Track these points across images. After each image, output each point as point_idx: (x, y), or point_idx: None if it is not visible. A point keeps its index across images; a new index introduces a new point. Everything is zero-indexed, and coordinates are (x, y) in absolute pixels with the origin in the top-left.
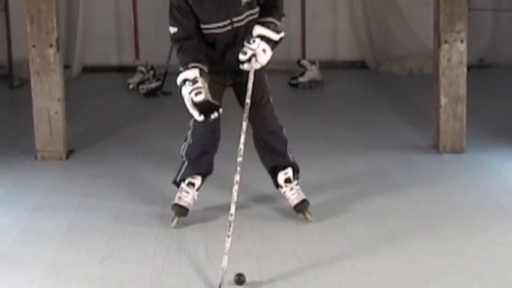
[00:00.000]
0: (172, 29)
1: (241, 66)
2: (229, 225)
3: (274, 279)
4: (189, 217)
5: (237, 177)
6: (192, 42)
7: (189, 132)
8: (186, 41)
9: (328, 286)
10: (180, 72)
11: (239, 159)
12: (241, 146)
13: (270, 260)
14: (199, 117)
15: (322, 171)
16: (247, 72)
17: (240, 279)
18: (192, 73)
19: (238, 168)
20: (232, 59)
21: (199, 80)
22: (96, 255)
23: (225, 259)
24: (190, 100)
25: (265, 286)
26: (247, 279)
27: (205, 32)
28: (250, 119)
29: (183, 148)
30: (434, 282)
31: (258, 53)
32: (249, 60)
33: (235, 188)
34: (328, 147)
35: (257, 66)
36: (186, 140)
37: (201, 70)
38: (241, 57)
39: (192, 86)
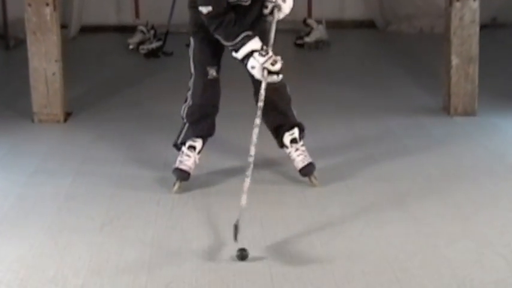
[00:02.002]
0: (206, 8)
1: (264, 17)
2: (249, 167)
3: (278, 245)
4: (190, 181)
5: (257, 121)
6: (230, 16)
7: (189, 93)
8: (224, 15)
9: (335, 252)
10: (235, 45)
11: (260, 103)
12: (263, 91)
13: (275, 225)
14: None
15: (328, 134)
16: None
17: (242, 254)
18: (256, 43)
19: (259, 112)
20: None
21: (265, 47)
22: (95, 221)
23: (244, 198)
24: (264, 70)
25: (269, 252)
26: (252, 244)
27: (233, 4)
28: (252, 77)
29: (183, 110)
30: (444, 248)
31: (278, 3)
32: (271, 13)
33: (256, 130)
34: (335, 110)
35: (281, 15)
36: (185, 101)
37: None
38: (264, 11)
39: (265, 56)
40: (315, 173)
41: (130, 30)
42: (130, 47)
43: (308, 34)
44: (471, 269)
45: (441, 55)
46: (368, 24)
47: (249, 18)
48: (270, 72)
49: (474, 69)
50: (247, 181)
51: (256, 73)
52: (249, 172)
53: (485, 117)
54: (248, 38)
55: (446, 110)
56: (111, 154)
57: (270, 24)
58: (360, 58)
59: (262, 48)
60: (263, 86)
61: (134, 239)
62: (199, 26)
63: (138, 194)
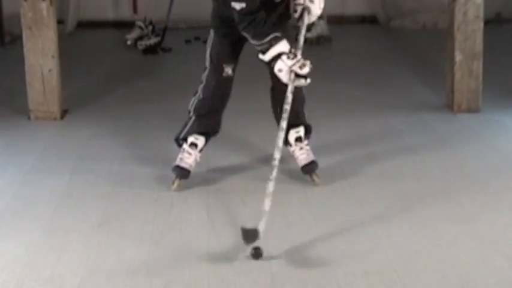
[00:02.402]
0: (239, 5)
1: (297, 23)
2: (273, 170)
3: (280, 245)
4: (190, 179)
5: (284, 124)
6: (262, 14)
7: (201, 86)
8: (257, 13)
9: (337, 252)
10: (263, 45)
11: (286, 106)
12: (289, 94)
13: (276, 224)
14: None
15: (330, 132)
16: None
17: (256, 252)
18: (284, 45)
19: (285, 115)
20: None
21: (293, 50)
22: (93, 220)
23: (267, 202)
24: (292, 73)
25: (270, 251)
26: (252, 244)
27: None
28: (270, 70)
29: (192, 103)
30: (448, 249)
31: (307, 5)
32: (301, 16)
33: (281, 134)
34: (337, 107)
35: (312, 19)
36: (195, 94)
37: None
38: (294, 15)
39: (293, 59)
40: (318, 172)
41: (128, 25)
42: (128, 42)
43: (309, 30)
44: (475, 269)
45: (444, 51)
46: (370, 20)
47: (274, 16)
48: (297, 76)
49: (478, 66)
50: (271, 185)
51: (284, 76)
52: (273, 175)
53: (489, 114)
54: (276, 40)
55: (449, 107)
56: (109, 152)
57: (299, 26)
58: (361, 54)
59: (290, 51)
60: (289, 89)
61: (132, 238)
62: (223, 21)
63: (136, 192)
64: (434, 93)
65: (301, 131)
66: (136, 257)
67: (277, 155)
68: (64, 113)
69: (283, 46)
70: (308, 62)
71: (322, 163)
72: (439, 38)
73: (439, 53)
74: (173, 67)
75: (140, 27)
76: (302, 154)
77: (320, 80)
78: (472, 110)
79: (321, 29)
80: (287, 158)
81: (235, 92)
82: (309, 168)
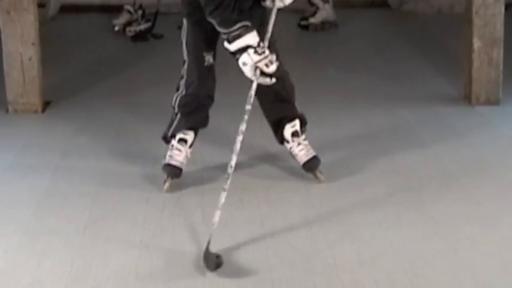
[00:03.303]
0: None
1: (263, 3)
2: (227, 178)
3: (281, 248)
4: (183, 178)
5: (243, 127)
6: None
7: (182, 81)
8: None
9: (343, 256)
10: (230, 33)
11: (247, 106)
12: (252, 92)
13: (277, 226)
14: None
15: (336, 125)
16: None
17: (217, 262)
18: (252, 37)
19: (246, 117)
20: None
21: (262, 44)
22: (77, 222)
23: (217, 214)
24: (257, 69)
25: (271, 255)
26: (251, 247)
27: None
28: None
29: (175, 99)
30: (465, 252)
31: None
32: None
33: (240, 138)
34: (343, 98)
35: (280, 5)
36: (178, 90)
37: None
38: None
39: (260, 55)
40: (321, 168)
41: (115, 10)
42: (116, 28)
43: (313, 14)
44: (494, 275)
45: (462, 37)
46: (380, 3)
47: (246, 3)
48: (263, 73)
49: (498, 53)
50: (223, 196)
51: (247, 71)
52: (227, 185)
53: (510, 106)
54: (246, 30)
55: (467, 98)
56: (95, 148)
57: (269, 13)
58: (370, 41)
59: (258, 45)
60: (253, 86)
61: (120, 242)
62: (194, 7)
63: (125, 192)
64: (450, 84)
65: (296, 124)
66: (124, 263)
67: (233, 162)
68: (46, 105)
69: (251, 38)
70: (274, 58)
71: (326, 159)
72: (456, 23)
73: (455, 39)
74: (165, 55)
75: (129, 12)
76: (301, 150)
77: (325, 69)
78: (492, 102)
79: (326, 13)
80: (286, 153)
81: (228, 83)
82: (311, 164)
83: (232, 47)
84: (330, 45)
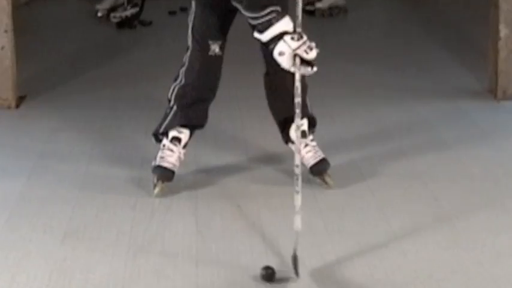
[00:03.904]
0: None
1: None
2: (297, 179)
3: (284, 262)
4: (175, 182)
5: (298, 121)
6: None
7: (182, 69)
8: None
9: (354, 270)
10: (260, 18)
11: (297, 99)
12: (298, 83)
13: (280, 236)
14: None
15: (346, 123)
16: None
17: (267, 273)
18: (288, 23)
19: (298, 111)
20: None
21: (298, 30)
22: (56, 231)
23: (298, 219)
24: (296, 58)
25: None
26: (252, 259)
27: None
28: (265, 51)
29: (173, 90)
30: (491, 266)
31: None
32: None
33: (298, 134)
34: (354, 93)
35: None
36: (176, 79)
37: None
38: None
39: (298, 40)
40: (329, 171)
41: None
42: (99, 14)
43: None
44: None
45: (486, 24)
46: None
47: None
48: (303, 61)
49: None
50: (299, 198)
51: (285, 61)
52: (298, 186)
53: None
54: (278, 15)
55: (492, 92)
56: (76, 148)
57: None
58: (384, 29)
59: (294, 31)
60: (297, 77)
61: (104, 253)
62: None
63: (110, 197)
64: (474, 76)
65: (304, 124)
66: (109, 276)
67: (298, 160)
68: (20, 100)
69: (286, 24)
70: (314, 45)
71: (336, 161)
72: (480, 9)
73: (479, 26)
74: (154, 44)
75: None
76: (308, 152)
77: (333, 59)
78: None
79: None
80: (291, 155)
81: (227, 75)
82: (319, 168)
83: (265, 36)
84: (339, 33)
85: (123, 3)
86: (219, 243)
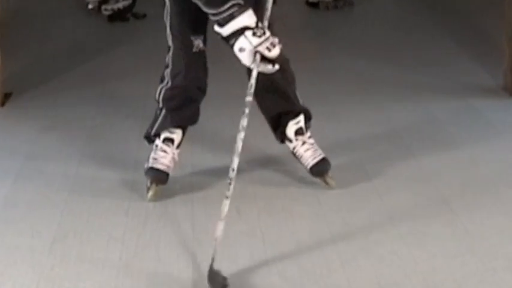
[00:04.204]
0: None
1: None
2: (229, 184)
3: (286, 268)
4: (169, 185)
5: (244, 122)
6: None
7: (167, 71)
8: None
9: (359, 276)
10: (220, 14)
11: (248, 98)
12: (253, 81)
13: (280, 240)
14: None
15: (351, 121)
16: None
17: (223, 284)
18: (249, 17)
19: (246, 111)
20: None
21: (261, 25)
22: (44, 236)
23: (221, 226)
24: (257, 54)
25: (274, 277)
26: (250, 266)
27: None
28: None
29: (159, 92)
30: (505, 272)
31: None
32: None
33: (241, 135)
34: (360, 90)
35: None
36: (162, 81)
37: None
38: None
39: (260, 37)
40: (332, 172)
41: None
42: (90, 6)
43: None
44: None
45: (501, 17)
46: None
47: None
48: (264, 59)
49: None
50: (227, 205)
51: (246, 58)
52: (229, 192)
53: None
54: (239, 9)
55: (506, 89)
56: (65, 148)
57: None
58: (391, 22)
59: (257, 26)
60: (254, 74)
61: (95, 261)
62: None
63: (101, 201)
64: (487, 72)
65: (301, 120)
66: (100, 285)
67: (235, 164)
68: (5, 98)
69: (247, 18)
70: (277, 41)
71: (339, 161)
72: (493, 0)
73: (493, 19)
74: (148, 38)
75: None
76: (307, 151)
77: (338, 55)
78: None
79: None
80: (290, 155)
81: (222, 71)
82: (320, 168)
83: (225, 30)
84: (344, 27)
85: None
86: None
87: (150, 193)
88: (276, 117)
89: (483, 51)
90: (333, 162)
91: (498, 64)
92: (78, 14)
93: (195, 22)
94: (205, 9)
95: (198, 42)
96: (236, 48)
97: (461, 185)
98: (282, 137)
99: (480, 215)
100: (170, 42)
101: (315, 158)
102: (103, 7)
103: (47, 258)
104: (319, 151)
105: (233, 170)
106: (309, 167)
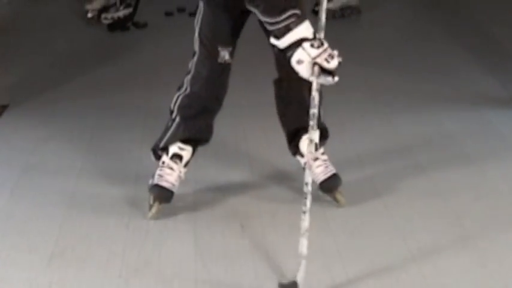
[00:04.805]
0: None
1: None
2: (305, 198)
3: (293, 285)
4: (172, 201)
5: (314, 136)
6: None
7: (188, 77)
8: None
9: None
10: (278, 24)
11: (313, 110)
12: (315, 93)
13: (286, 258)
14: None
15: (358, 134)
16: None
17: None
18: (307, 28)
19: (312, 123)
20: None
21: (318, 36)
22: (41, 253)
23: (304, 243)
24: (316, 66)
25: None
26: (256, 283)
27: None
28: (278, 55)
29: (176, 100)
30: None
31: None
32: None
33: (311, 148)
34: (368, 100)
35: None
36: (180, 88)
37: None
38: None
39: (318, 48)
40: (342, 188)
41: None
42: (89, 15)
43: None
44: None
45: None
46: None
47: None
48: (323, 70)
49: None
50: (306, 219)
51: (304, 70)
52: (307, 207)
53: None
54: (297, 20)
55: None
56: (63, 160)
57: None
58: (401, 30)
59: (314, 37)
60: (315, 87)
61: (94, 276)
62: None
63: (100, 215)
64: (499, 82)
65: (316, 136)
66: None
67: (309, 178)
68: (3, 109)
69: (305, 29)
70: (336, 53)
71: (348, 176)
72: (506, 7)
73: (504, 27)
74: (149, 48)
75: None
76: (318, 166)
77: (345, 64)
78: None
79: None
80: (299, 172)
81: (231, 81)
82: (330, 184)
83: (282, 42)
84: (351, 36)
85: (115, 3)
86: (219, 266)
87: (152, 211)
88: (294, 131)
89: (495, 61)
90: (341, 176)
91: (510, 74)
92: (77, 23)
93: (226, 32)
94: (263, 18)
95: (224, 54)
96: (294, 60)
97: (473, 200)
98: (295, 150)
99: (492, 230)
100: (196, 48)
101: (325, 174)
102: (103, 16)
103: (44, 275)
104: (331, 167)
105: (306, 184)
106: (318, 182)
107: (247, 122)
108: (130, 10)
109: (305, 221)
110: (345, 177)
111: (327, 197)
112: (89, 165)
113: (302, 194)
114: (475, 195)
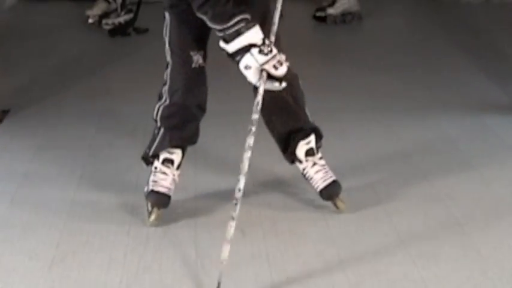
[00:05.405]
0: None
1: None
2: (236, 204)
3: None
4: (171, 208)
5: (250, 141)
6: None
7: (165, 88)
8: None
9: None
10: (226, 30)
11: (254, 116)
12: (259, 98)
13: (287, 265)
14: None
15: (360, 140)
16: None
17: None
18: (255, 33)
19: (253, 129)
20: None
21: (268, 42)
22: (42, 258)
23: (227, 249)
24: (263, 72)
25: None
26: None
27: None
28: None
29: (157, 110)
30: None
31: None
32: None
33: (247, 154)
34: (369, 107)
35: None
36: (160, 98)
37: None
38: None
39: (266, 55)
40: (342, 195)
41: None
42: (90, 21)
43: (332, 4)
44: None
45: None
46: None
47: None
48: (271, 76)
49: None
50: (233, 226)
51: (252, 76)
52: (235, 213)
53: None
54: (246, 25)
55: None
56: (64, 168)
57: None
58: (402, 36)
59: (263, 43)
60: (260, 91)
61: (95, 283)
62: None
63: (101, 222)
64: (502, 89)
65: (311, 140)
66: None
67: (241, 184)
68: (3, 115)
69: (253, 35)
70: (284, 59)
71: (348, 183)
72: (508, 15)
73: (507, 34)
74: (150, 53)
75: (106, 1)
76: (317, 173)
77: (347, 70)
78: None
79: (348, 3)
80: (299, 177)
81: (227, 87)
82: (331, 191)
83: (231, 47)
84: (353, 42)
85: (116, 9)
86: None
87: (152, 217)
88: (285, 137)
89: (496, 68)
90: (342, 183)
91: (511, 80)
92: (79, 28)
93: (195, 37)
94: (211, 25)
95: (197, 58)
96: (242, 65)
97: (474, 206)
98: (292, 158)
99: (493, 237)
100: (169, 58)
101: (325, 180)
102: (104, 21)
103: (45, 281)
104: (330, 173)
105: (239, 190)
106: (318, 189)
107: (243, 127)
108: (131, 16)
109: (232, 228)
110: (345, 183)
111: (328, 204)
112: (89, 171)
113: (303, 201)
114: (476, 202)
